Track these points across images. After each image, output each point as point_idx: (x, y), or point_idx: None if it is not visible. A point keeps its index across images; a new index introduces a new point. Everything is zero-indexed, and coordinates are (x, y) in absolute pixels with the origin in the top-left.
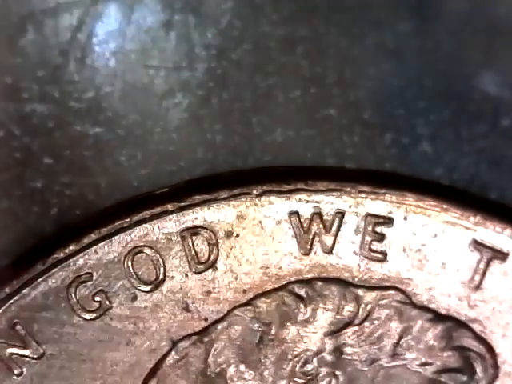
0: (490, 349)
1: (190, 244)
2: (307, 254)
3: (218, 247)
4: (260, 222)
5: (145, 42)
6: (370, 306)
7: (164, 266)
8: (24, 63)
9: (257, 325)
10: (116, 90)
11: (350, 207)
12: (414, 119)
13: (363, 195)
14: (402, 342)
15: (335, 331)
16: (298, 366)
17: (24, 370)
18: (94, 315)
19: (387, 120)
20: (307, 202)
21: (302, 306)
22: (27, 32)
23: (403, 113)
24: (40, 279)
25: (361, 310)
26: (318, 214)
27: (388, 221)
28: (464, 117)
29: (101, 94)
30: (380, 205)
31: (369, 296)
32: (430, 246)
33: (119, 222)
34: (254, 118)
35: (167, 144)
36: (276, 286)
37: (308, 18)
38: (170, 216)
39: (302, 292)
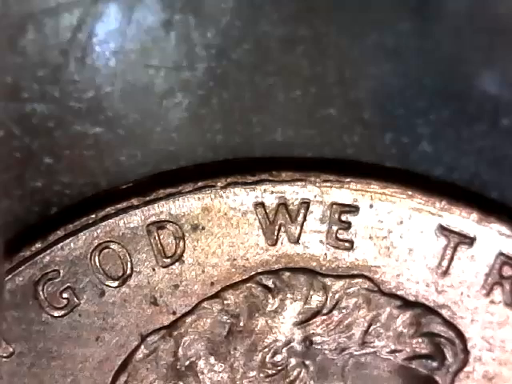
0: (460, 334)
1: (156, 238)
2: (274, 244)
3: (184, 240)
4: (225, 213)
5: (145, 42)
6: (338, 295)
7: (131, 261)
8: (24, 63)
9: (225, 317)
10: (116, 90)
11: (314, 197)
12: (414, 119)
13: (328, 184)
14: (371, 329)
15: (304, 321)
16: (267, 357)
17: None
18: (63, 312)
19: (387, 120)
20: (272, 192)
21: (269, 296)
22: (27, 32)
23: (403, 113)
24: (7, 278)
25: (329, 299)
26: (283, 205)
27: (353, 209)
28: (464, 117)
29: (101, 93)
30: (345, 193)
31: (336, 285)
32: (396, 232)
33: (85, 219)
34: (254, 117)
35: (167, 144)
36: (243, 277)
37: (308, 18)
38: (136, 211)
39: (270, 283)
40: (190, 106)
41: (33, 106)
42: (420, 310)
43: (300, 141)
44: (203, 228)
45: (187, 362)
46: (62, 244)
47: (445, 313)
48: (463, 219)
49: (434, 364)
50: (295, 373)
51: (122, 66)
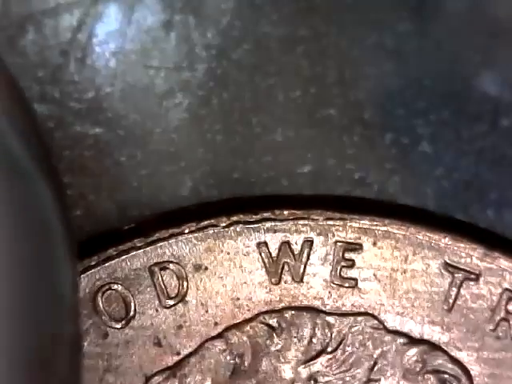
0: (466, 371)
1: (159, 279)
2: (277, 283)
3: (187, 281)
4: (228, 253)
5: (145, 42)
6: (342, 333)
7: (134, 302)
8: (24, 63)
9: (229, 357)
10: (116, 90)
11: (318, 235)
12: (414, 119)
13: (331, 222)
14: (376, 367)
15: (308, 360)
16: None
17: None
18: None
19: (387, 120)
20: (275, 231)
21: (274, 336)
22: (27, 32)
23: (403, 113)
24: None
25: (333, 337)
26: (286, 243)
27: (357, 247)
28: (464, 117)
29: (101, 94)
30: (348, 231)
31: (341, 323)
32: (400, 270)
33: (86, 260)
34: (254, 117)
35: (167, 144)
36: (247, 317)
37: (308, 18)
38: (138, 251)
39: (274, 322)
40: (190, 106)
41: (33, 107)
42: (425, 346)
43: (300, 141)
44: (206, 268)
45: None
46: None
47: (450, 350)
48: (468, 255)
49: None
50: None
51: (122, 66)
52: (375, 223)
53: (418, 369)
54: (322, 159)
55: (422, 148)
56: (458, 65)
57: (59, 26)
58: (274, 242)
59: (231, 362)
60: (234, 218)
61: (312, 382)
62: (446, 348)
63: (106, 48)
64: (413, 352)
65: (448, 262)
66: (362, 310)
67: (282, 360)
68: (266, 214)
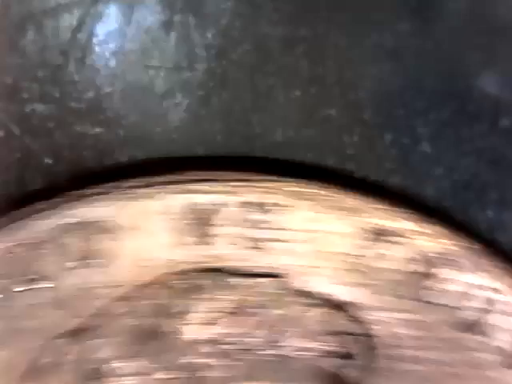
0: (367, 331)
1: (64, 241)
2: (183, 245)
3: (91, 243)
4: (135, 216)
5: (145, 42)
6: (245, 295)
7: (38, 265)
8: (24, 63)
9: (132, 319)
10: (116, 90)
11: (225, 197)
12: (414, 119)
13: (237, 183)
14: (278, 328)
15: (210, 321)
16: (175, 359)
17: None
18: None
19: (387, 120)
20: (182, 193)
21: (176, 297)
22: (27, 32)
23: (403, 113)
24: None
25: (236, 298)
26: (193, 205)
27: (262, 208)
28: (464, 117)
29: (101, 94)
30: (254, 192)
31: (244, 284)
32: (303, 230)
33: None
34: (254, 117)
35: (167, 144)
36: (150, 278)
37: (308, 18)
38: (44, 213)
39: (177, 284)
40: (190, 106)
41: (33, 106)
42: (327, 307)
43: (300, 141)
44: (110, 230)
45: (95, 366)
46: None
47: (352, 310)
48: (376, 216)
49: (342, 361)
50: (202, 373)
51: (121, 66)
52: (282, 183)
53: (319, 329)
54: (322, 159)
55: (421, 148)
56: (458, 65)
57: (59, 26)
58: (181, 204)
59: (134, 324)
60: (141, 181)
61: (214, 343)
62: (347, 308)
63: (106, 48)
64: (315, 313)
65: (353, 220)
66: (266, 271)
67: (184, 322)
68: (173, 177)
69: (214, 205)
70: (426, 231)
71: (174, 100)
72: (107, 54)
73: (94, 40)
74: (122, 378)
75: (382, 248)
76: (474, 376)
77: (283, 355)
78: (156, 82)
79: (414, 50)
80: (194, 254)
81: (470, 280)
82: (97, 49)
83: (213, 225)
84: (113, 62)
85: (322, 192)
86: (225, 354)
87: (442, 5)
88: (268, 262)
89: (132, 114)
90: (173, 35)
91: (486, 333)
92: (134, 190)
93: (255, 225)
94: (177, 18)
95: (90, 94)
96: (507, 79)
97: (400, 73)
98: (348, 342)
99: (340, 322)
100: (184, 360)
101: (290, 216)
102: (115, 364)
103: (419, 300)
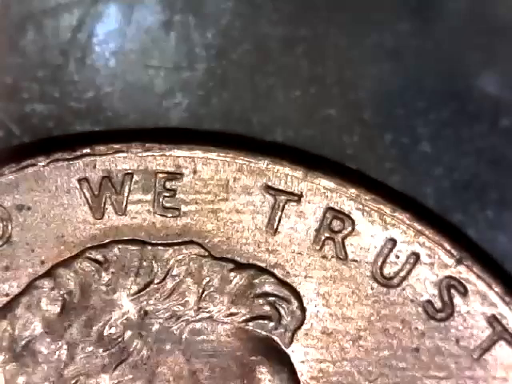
0: (295, 292)
1: None
2: (101, 218)
3: (10, 221)
4: (50, 191)
5: (145, 42)
6: (168, 264)
7: None
8: (24, 63)
9: (58, 294)
10: (116, 90)
11: (138, 167)
12: (414, 119)
13: (150, 153)
14: (204, 295)
15: (137, 292)
16: (103, 331)
17: None
18: None
19: (387, 120)
20: (95, 166)
21: (101, 270)
22: (27, 32)
23: (403, 113)
24: None
25: (160, 268)
26: (107, 178)
27: (178, 176)
28: (464, 117)
29: (101, 94)
30: (168, 161)
31: (167, 253)
32: (222, 196)
33: None
34: (254, 117)
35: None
36: (73, 253)
37: (308, 18)
38: None
39: (100, 257)
40: (190, 106)
41: (33, 106)
42: (253, 271)
43: (300, 141)
44: (29, 208)
45: (23, 343)
46: None
47: (278, 272)
48: (289, 177)
49: (272, 324)
50: (132, 344)
51: (121, 66)
52: (194, 151)
53: (246, 293)
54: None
55: (421, 148)
56: (458, 65)
57: (59, 26)
58: (94, 177)
59: (60, 299)
60: (54, 156)
61: (142, 313)
62: (273, 271)
63: (106, 48)
64: (240, 277)
65: (269, 184)
66: (187, 238)
67: (111, 294)
68: (85, 150)
69: (129, 176)
70: (343, 189)
71: (173, 100)
72: (107, 53)
73: (94, 40)
74: (51, 353)
75: (296, 208)
76: (403, 330)
77: (213, 321)
78: (156, 82)
79: (413, 49)
80: (114, 227)
81: (393, 235)
82: (97, 49)
83: (130, 196)
84: (113, 62)
85: (232, 155)
86: (155, 323)
87: (442, 5)
88: (188, 229)
89: (132, 113)
90: (173, 35)
91: (411, 287)
92: (49, 166)
93: (172, 192)
94: (177, 17)
95: (90, 94)
96: (507, 79)
97: (400, 73)
98: (275, 305)
99: (267, 285)
100: (113, 332)
101: (204, 181)
102: (43, 339)
103: (342, 258)
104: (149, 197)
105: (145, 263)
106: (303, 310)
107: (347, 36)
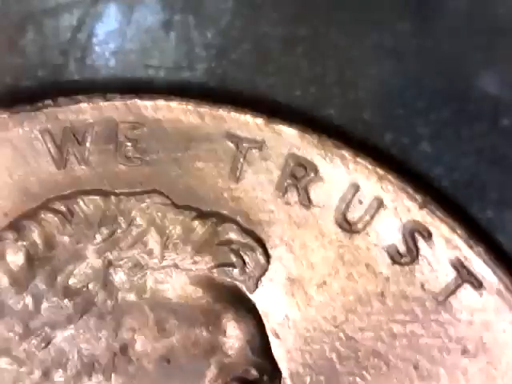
0: (258, 239)
1: None
2: (63, 168)
3: None
4: (12, 143)
5: (145, 42)
6: (132, 213)
7: None
8: (24, 63)
9: (21, 246)
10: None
11: (100, 117)
12: (414, 119)
13: (111, 103)
14: (168, 243)
15: (100, 242)
16: (68, 282)
17: None
18: None
19: (387, 120)
20: (56, 118)
21: (64, 221)
22: (27, 32)
23: (403, 113)
24: None
25: (123, 217)
26: (69, 129)
27: (140, 125)
28: (464, 117)
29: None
30: (130, 111)
31: (129, 202)
32: (184, 144)
33: None
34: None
35: None
36: (36, 205)
37: (308, 18)
38: None
39: (63, 208)
40: None
41: None
42: (216, 219)
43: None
44: None
45: None
46: None
47: (241, 219)
48: (250, 124)
49: (236, 271)
50: (97, 294)
51: (121, 66)
52: (155, 100)
53: (210, 241)
54: None
55: (421, 148)
56: (458, 65)
57: (59, 26)
58: (56, 128)
59: (24, 250)
60: (15, 109)
61: (106, 263)
62: (237, 218)
63: (106, 48)
64: (204, 225)
65: (231, 132)
66: (150, 187)
67: (75, 245)
68: (46, 102)
69: (91, 126)
70: (305, 135)
71: None
72: (107, 53)
73: (94, 40)
74: (17, 305)
75: (258, 155)
76: (367, 275)
77: (177, 269)
78: (156, 82)
79: (414, 49)
80: (76, 178)
81: (356, 181)
82: (97, 49)
83: (92, 146)
84: (113, 62)
85: (194, 104)
86: (119, 273)
87: (442, 5)
88: (151, 178)
89: None
90: (173, 35)
91: (375, 232)
92: (10, 119)
93: (134, 142)
94: (176, 17)
95: None
96: (507, 79)
97: (400, 73)
98: (239, 252)
99: (231, 232)
100: (77, 282)
101: (166, 130)
102: (9, 291)
103: (305, 204)
104: (111, 147)
105: (108, 213)
106: (267, 256)
107: (347, 36)
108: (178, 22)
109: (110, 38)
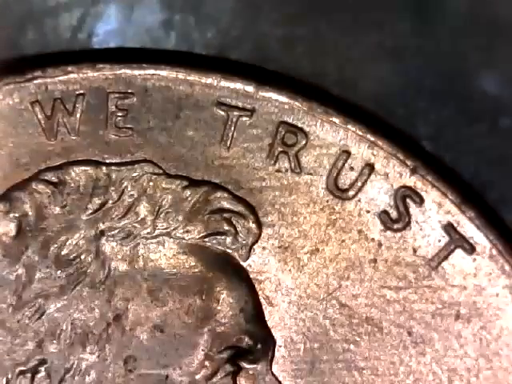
0: (250, 207)
1: None
2: (54, 139)
3: None
4: (2, 115)
5: (145, 42)
6: (123, 183)
7: None
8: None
9: (13, 217)
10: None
11: (90, 87)
12: (414, 119)
13: (101, 73)
14: (160, 212)
15: (92, 213)
16: (60, 253)
17: None
18: None
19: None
20: (46, 89)
21: (56, 192)
22: (27, 32)
23: (403, 113)
24: None
25: (115, 187)
26: (59, 99)
27: (129, 96)
28: (464, 117)
29: None
30: (120, 80)
31: (121, 172)
32: (174, 112)
33: None
34: None
35: None
36: (28, 175)
37: (308, 18)
38: None
39: (55, 178)
40: None
41: None
42: (208, 187)
43: None
44: None
45: None
46: None
47: (233, 187)
48: (240, 92)
49: (228, 240)
50: (89, 265)
51: None
52: (146, 71)
53: (202, 210)
54: None
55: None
56: (458, 65)
57: (59, 26)
58: (46, 99)
59: (16, 221)
60: (5, 80)
61: (98, 233)
62: (228, 187)
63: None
64: (195, 194)
65: (221, 100)
66: (141, 157)
67: (67, 215)
68: (36, 73)
69: (81, 97)
70: (296, 103)
71: None
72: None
73: (94, 40)
74: (9, 275)
75: (249, 123)
76: (360, 241)
77: (170, 238)
78: None
79: (413, 49)
80: (67, 149)
81: (347, 147)
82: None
83: (82, 117)
84: None
85: (183, 73)
86: (112, 243)
87: (442, 5)
88: (141, 147)
89: None
90: (173, 35)
91: (367, 198)
92: (1, 90)
93: (124, 112)
94: (177, 17)
95: None
96: (507, 79)
97: (400, 73)
98: (231, 220)
99: (222, 201)
100: (69, 253)
101: (156, 99)
102: (1, 263)
103: (296, 171)
104: (101, 117)
105: (99, 183)
106: (259, 224)
107: (347, 36)
108: (178, 21)
109: (110, 38)
